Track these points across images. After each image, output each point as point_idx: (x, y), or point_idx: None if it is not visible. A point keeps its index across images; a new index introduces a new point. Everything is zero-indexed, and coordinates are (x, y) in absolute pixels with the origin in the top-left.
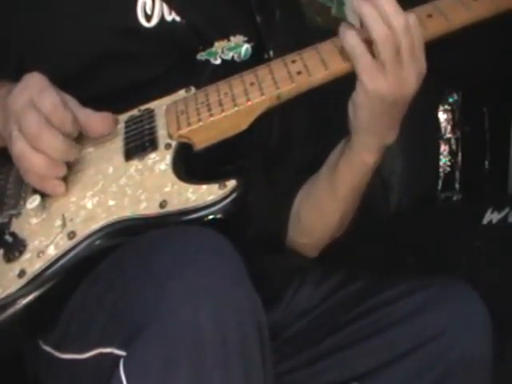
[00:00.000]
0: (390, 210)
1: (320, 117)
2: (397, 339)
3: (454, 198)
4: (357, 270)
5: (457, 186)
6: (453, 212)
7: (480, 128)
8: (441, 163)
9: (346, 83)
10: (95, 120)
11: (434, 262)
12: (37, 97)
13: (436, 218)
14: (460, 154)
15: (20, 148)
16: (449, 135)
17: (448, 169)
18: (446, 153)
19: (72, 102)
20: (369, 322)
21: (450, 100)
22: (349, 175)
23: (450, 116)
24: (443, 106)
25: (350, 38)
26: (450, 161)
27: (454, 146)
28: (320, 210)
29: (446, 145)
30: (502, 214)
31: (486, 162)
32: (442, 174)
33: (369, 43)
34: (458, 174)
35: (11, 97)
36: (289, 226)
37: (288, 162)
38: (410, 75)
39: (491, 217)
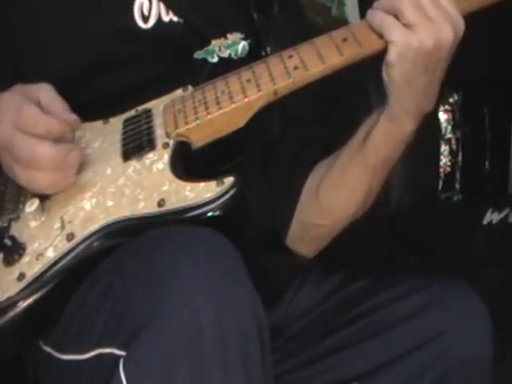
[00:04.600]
0: (390, 210)
1: (324, 99)
2: (397, 339)
3: (455, 198)
4: (357, 270)
5: (457, 186)
6: (453, 212)
7: (480, 128)
8: (441, 163)
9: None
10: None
11: (433, 262)
12: (16, 118)
13: (436, 217)
14: (460, 154)
15: (26, 176)
16: (449, 135)
17: (448, 169)
18: (446, 153)
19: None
20: (369, 321)
21: (451, 100)
22: (382, 143)
23: (451, 116)
24: (443, 106)
25: (376, 14)
26: (450, 161)
27: (454, 146)
28: (345, 182)
29: (446, 145)
30: (502, 214)
31: (487, 162)
32: (442, 174)
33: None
34: (458, 174)
35: None
36: (306, 209)
37: (283, 149)
38: (443, 28)
39: (491, 217)
